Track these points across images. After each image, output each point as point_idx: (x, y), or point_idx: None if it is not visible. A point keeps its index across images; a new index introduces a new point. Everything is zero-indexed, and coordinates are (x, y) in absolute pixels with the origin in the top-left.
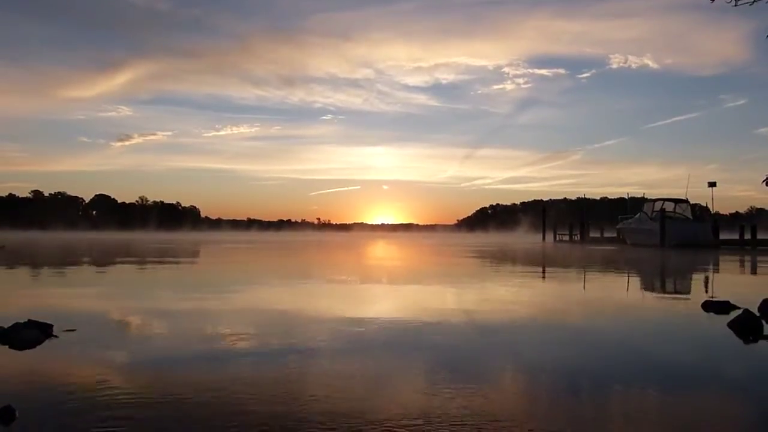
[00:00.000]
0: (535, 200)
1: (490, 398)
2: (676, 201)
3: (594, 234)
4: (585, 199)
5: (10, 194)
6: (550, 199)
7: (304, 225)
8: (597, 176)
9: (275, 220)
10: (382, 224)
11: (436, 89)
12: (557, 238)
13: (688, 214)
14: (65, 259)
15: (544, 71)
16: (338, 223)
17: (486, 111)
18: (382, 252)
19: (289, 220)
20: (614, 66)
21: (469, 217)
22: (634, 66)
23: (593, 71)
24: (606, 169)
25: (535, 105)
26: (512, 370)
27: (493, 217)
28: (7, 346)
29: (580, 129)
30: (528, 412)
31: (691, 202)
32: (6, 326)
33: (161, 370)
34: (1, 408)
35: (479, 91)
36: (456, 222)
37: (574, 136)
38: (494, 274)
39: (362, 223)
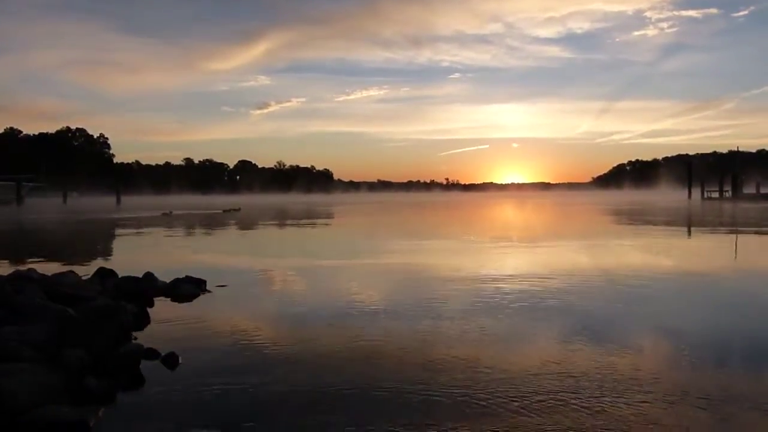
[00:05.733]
0: (679, 155)
1: (636, 353)
2: None
3: (748, 190)
4: (738, 151)
5: (166, 162)
6: (698, 153)
7: (432, 186)
8: (753, 126)
9: (405, 181)
10: (512, 183)
11: (569, 40)
12: (705, 195)
13: None
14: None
15: (692, 12)
16: (467, 183)
17: (625, 60)
18: (530, 216)
19: (418, 181)
20: None
21: (605, 174)
22: None
23: (751, 8)
24: (765, 117)
25: (682, 51)
26: (664, 333)
27: (631, 174)
28: (169, 299)
29: (734, 74)
30: (675, 377)
31: None
32: (168, 281)
33: (304, 320)
34: (166, 354)
35: (617, 39)
36: (591, 180)
37: (727, 83)
38: (646, 236)
39: (492, 182)
